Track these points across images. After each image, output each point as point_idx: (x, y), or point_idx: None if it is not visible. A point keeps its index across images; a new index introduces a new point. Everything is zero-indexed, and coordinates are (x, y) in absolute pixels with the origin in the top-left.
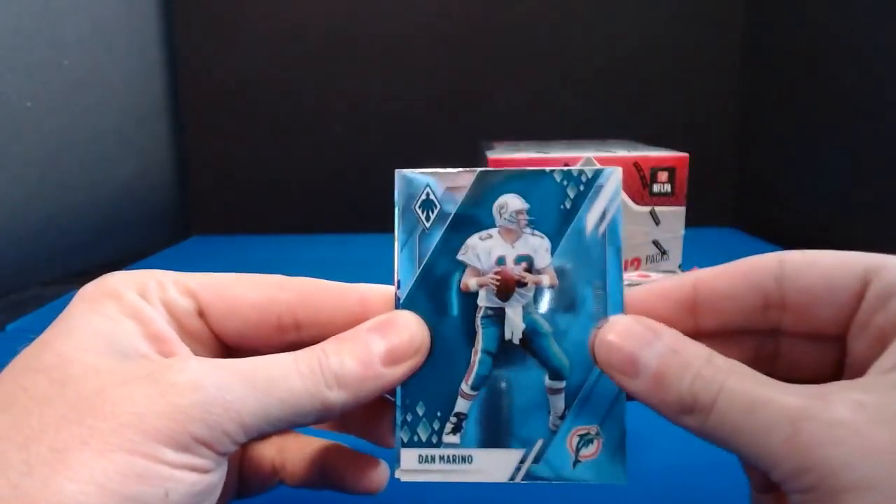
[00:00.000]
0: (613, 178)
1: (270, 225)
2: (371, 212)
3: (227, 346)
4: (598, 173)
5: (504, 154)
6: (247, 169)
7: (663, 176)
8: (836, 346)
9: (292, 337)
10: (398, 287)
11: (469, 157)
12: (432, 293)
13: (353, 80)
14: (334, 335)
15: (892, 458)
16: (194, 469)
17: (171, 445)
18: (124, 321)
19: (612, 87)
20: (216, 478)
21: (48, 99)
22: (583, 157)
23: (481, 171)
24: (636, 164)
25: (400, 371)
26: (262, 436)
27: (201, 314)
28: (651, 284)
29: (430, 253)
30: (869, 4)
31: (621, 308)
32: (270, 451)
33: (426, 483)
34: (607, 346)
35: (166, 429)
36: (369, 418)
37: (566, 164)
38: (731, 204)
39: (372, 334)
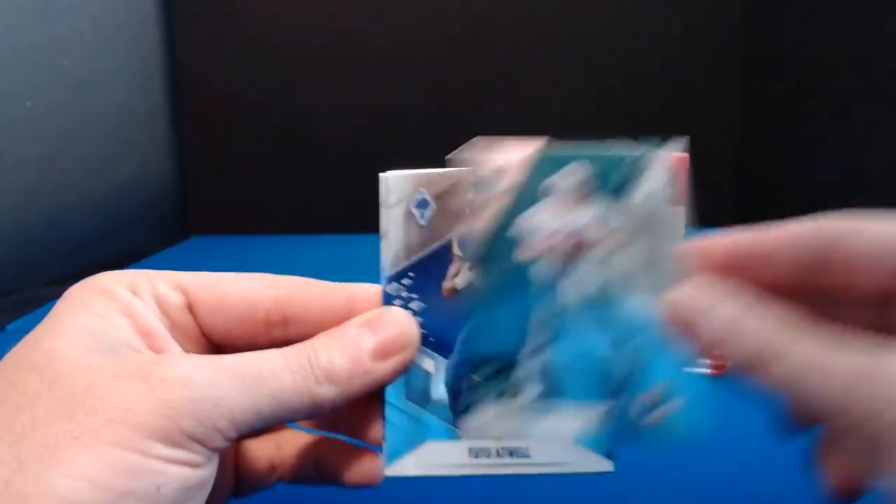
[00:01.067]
0: (665, 160)
1: (270, 225)
2: (371, 212)
3: (215, 344)
4: (648, 154)
5: None
6: (247, 169)
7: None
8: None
9: (279, 333)
10: (387, 283)
11: None
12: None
13: (352, 80)
14: (322, 332)
15: None
16: (186, 464)
17: (162, 441)
18: (114, 316)
19: (612, 87)
20: (208, 472)
21: (48, 99)
22: None
23: (542, 149)
24: None
25: (390, 366)
26: (253, 432)
27: (191, 309)
28: (712, 240)
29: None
30: (869, 4)
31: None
32: (267, 448)
33: (420, 478)
34: (677, 306)
35: (157, 424)
36: (360, 415)
37: None
38: (731, 204)
39: (361, 330)
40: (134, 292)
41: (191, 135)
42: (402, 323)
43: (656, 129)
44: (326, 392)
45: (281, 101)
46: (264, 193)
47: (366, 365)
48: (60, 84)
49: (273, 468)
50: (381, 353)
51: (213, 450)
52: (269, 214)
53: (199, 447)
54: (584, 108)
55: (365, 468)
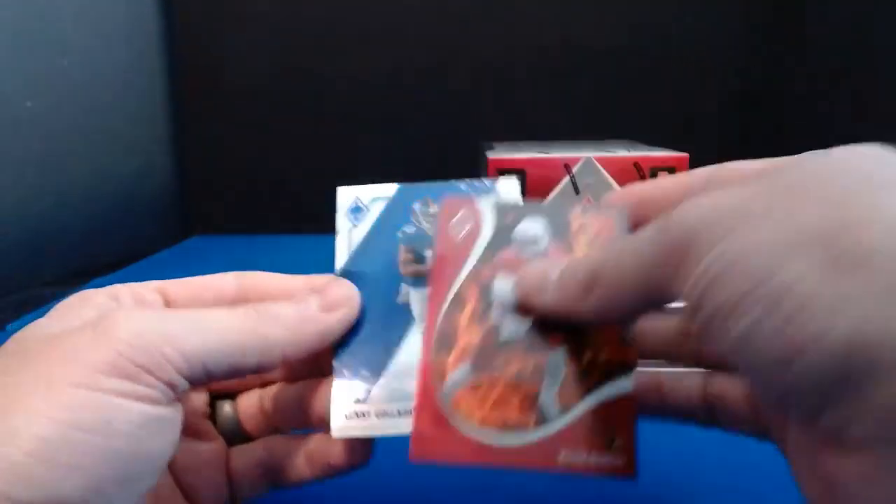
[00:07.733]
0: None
1: (270, 225)
2: None
3: None
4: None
5: (504, 154)
6: (247, 169)
7: (663, 176)
8: None
9: None
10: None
11: (469, 156)
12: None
13: (352, 79)
14: None
15: None
16: (139, 398)
17: (111, 374)
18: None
19: (612, 87)
20: (166, 412)
21: (48, 99)
22: (582, 157)
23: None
24: (636, 164)
25: (336, 316)
26: (211, 379)
27: (169, 306)
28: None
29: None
30: (869, 4)
31: None
32: (258, 452)
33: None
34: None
35: (107, 358)
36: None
37: (566, 165)
38: None
39: (306, 293)
40: (114, 298)
41: (191, 135)
42: (344, 285)
43: (656, 129)
44: (277, 333)
45: (281, 101)
46: (264, 193)
47: (313, 312)
48: (60, 84)
49: (265, 473)
50: (327, 307)
51: (167, 384)
52: (269, 214)
53: (150, 378)
54: (585, 107)
55: (349, 448)
